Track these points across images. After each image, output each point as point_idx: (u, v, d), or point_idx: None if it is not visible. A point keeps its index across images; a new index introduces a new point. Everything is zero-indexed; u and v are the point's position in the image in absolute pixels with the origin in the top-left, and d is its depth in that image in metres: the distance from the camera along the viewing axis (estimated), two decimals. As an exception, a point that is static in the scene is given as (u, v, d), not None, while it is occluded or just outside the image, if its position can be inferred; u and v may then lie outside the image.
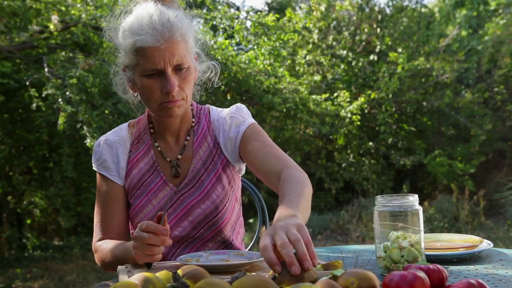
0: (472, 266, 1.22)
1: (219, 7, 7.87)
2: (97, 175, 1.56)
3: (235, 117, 1.53)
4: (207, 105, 1.61)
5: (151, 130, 1.54)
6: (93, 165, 1.56)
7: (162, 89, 1.38)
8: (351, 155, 8.44)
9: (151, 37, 1.33)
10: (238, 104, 1.58)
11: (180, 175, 1.50)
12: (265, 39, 6.87)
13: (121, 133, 1.56)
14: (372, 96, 8.14)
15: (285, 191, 1.24)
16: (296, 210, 1.12)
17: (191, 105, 1.56)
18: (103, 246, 1.46)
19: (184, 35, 1.39)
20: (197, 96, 1.58)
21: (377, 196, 1.21)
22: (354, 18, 8.96)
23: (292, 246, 0.94)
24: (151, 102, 1.42)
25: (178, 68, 1.39)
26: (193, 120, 1.55)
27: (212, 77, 1.58)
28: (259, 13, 7.24)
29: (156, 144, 1.53)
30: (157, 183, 1.50)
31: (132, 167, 1.52)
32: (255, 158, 1.45)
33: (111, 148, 1.53)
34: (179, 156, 1.51)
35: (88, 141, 5.03)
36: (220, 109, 1.59)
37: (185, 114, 1.51)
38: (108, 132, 1.59)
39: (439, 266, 0.90)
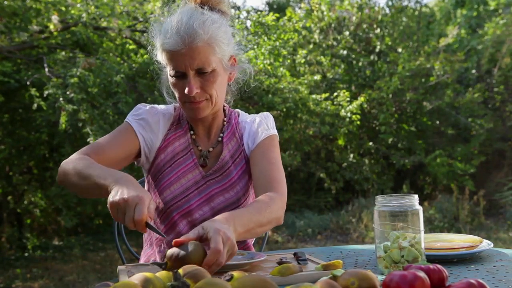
0: (472, 266, 1.23)
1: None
2: (123, 124, 1.58)
3: (262, 123, 1.64)
4: (237, 110, 1.73)
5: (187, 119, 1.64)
6: (128, 117, 1.59)
7: (185, 90, 1.46)
8: (351, 155, 8.43)
9: (174, 41, 1.41)
10: (268, 113, 1.70)
11: (207, 166, 1.58)
12: (265, 38, 6.86)
13: (168, 109, 1.64)
14: (372, 96, 8.13)
15: (248, 205, 1.38)
16: (235, 223, 1.24)
17: (224, 106, 1.67)
18: (86, 159, 1.42)
19: (209, 40, 1.43)
20: (231, 97, 1.69)
21: (377, 196, 1.21)
22: (354, 18, 8.96)
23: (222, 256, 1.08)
24: (178, 100, 1.53)
25: (200, 72, 1.45)
26: (225, 119, 1.65)
27: (246, 79, 1.68)
28: (259, 12, 7.23)
29: (191, 132, 1.61)
30: (188, 164, 1.57)
31: (167, 144, 1.59)
32: (255, 167, 1.55)
33: (155, 116, 1.60)
34: (210, 149, 1.60)
35: (91, 140, 5.03)
36: (248, 114, 1.72)
37: (218, 112, 1.60)
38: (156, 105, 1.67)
39: (439, 266, 0.90)
